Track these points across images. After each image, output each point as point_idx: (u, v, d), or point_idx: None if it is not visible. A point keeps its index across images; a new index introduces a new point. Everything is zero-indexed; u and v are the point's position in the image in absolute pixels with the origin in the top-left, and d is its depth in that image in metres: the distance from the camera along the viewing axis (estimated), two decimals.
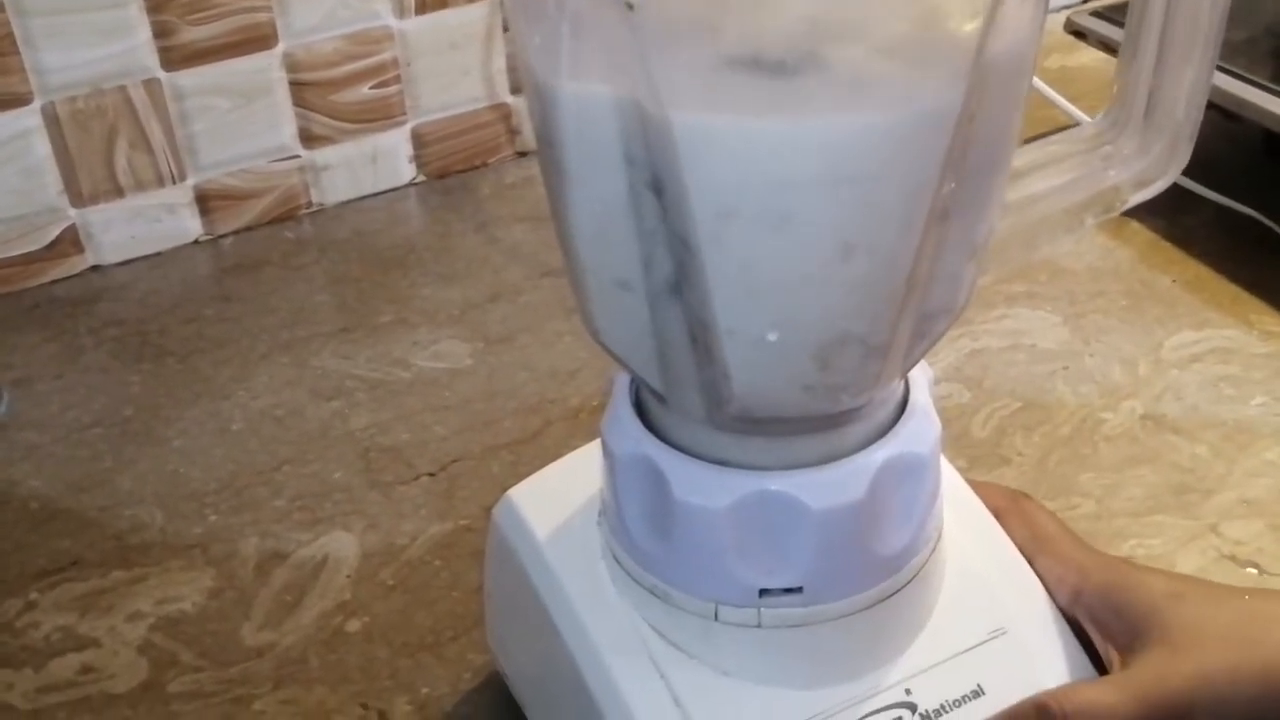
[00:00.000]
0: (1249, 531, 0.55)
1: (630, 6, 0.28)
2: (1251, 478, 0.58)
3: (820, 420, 0.36)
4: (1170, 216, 0.73)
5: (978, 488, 0.45)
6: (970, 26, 0.28)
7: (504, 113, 0.83)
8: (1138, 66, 0.36)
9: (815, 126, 0.28)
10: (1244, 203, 0.72)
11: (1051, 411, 0.62)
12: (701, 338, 0.33)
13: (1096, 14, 0.76)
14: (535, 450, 0.61)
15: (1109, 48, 0.76)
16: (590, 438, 0.61)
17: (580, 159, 0.32)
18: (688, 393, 0.36)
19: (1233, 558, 0.54)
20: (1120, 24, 0.75)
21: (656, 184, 0.31)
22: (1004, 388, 0.63)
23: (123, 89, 0.72)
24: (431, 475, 0.60)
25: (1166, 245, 0.72)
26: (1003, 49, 0.29)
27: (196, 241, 0.77)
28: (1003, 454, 0.59)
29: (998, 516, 0.44)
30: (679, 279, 0.32)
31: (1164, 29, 0.34)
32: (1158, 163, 0.36)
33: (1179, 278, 0.70)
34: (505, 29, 0.80)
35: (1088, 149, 0.37)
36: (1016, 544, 0.43)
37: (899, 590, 0.39)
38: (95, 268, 0.76)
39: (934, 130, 0.29)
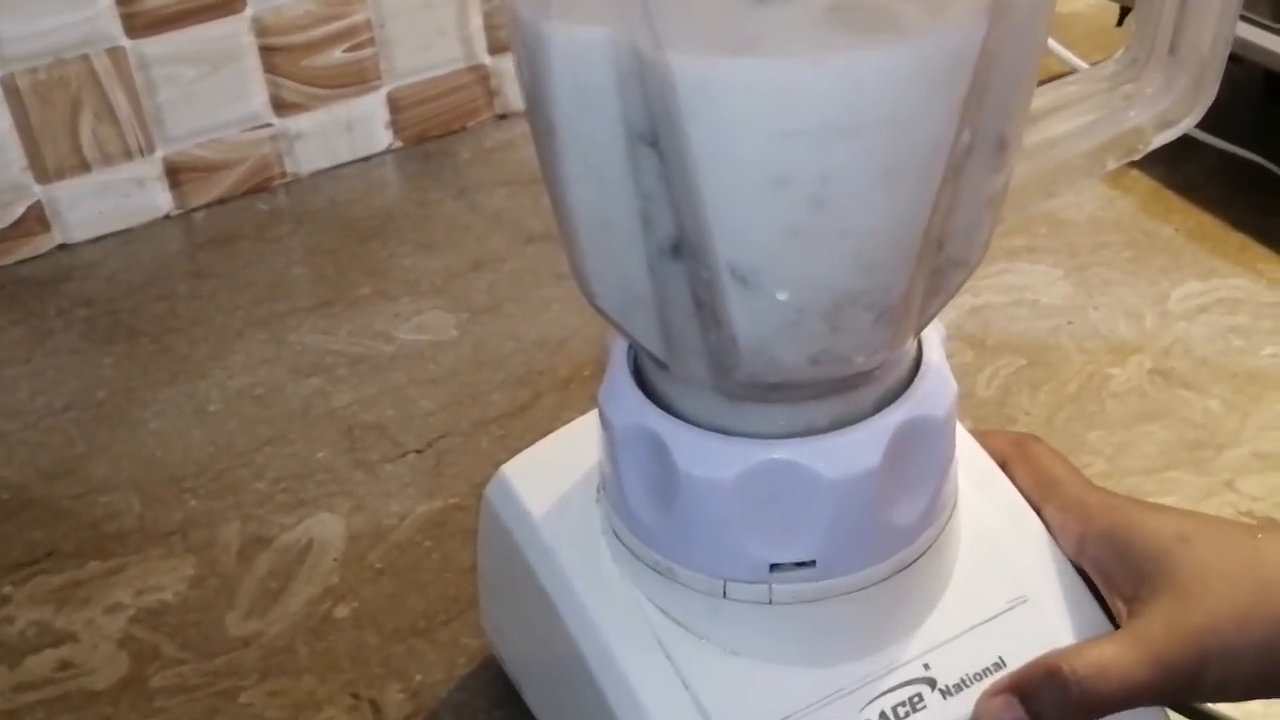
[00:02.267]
0: (1265, 486, 0.53)
1: None
2: (1265, 431, 0.56)
3: (831, 384, 0.34)
4: (1171, 164, 0.71)
5: (982, 438, 0.42)
6: None
7: (482, 74, 0.80)
8: (1158, 2, 0.33)
9: (831, 67, 0.26)
10: (1246, 148, 0.70)
11: (1057, 368, 0.60)
12: (706, 299, 0.31)
13: None
14: (525, 423, 0.59)
15: None
16: (583, 409, 0.59)
17: (572, 111, 0.30)
18: (691, 358, 0.33)
19: (1249, 514, 0.52)
20: None
21: (654, 136, 0.29)
22: (1008, 345, 0.61)
23: (85, 58, 0.69)
24: (418, 452, 0.58)
25: (1168, 194, 0.70)
26: None
27: (167, 216, 0.75)
28: (1009, 413, 0.57)
29: (1004, 466, 0.42)
30: (681, 238, 0.30)
31: None
32: (1182, 101, 0.34)
33: (1182, 227, 0.68)
34: None
35: (1107, 89, 0.34)
36: (1023, 493, 0.41)
37: (915, 561, 0.37)
38: (62, 246, 0.73)
39: (954, 70, 0.27)
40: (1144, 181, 0.71)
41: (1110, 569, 0.39)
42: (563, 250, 0.35)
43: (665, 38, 0.26)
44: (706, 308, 0.31)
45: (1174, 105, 0.34)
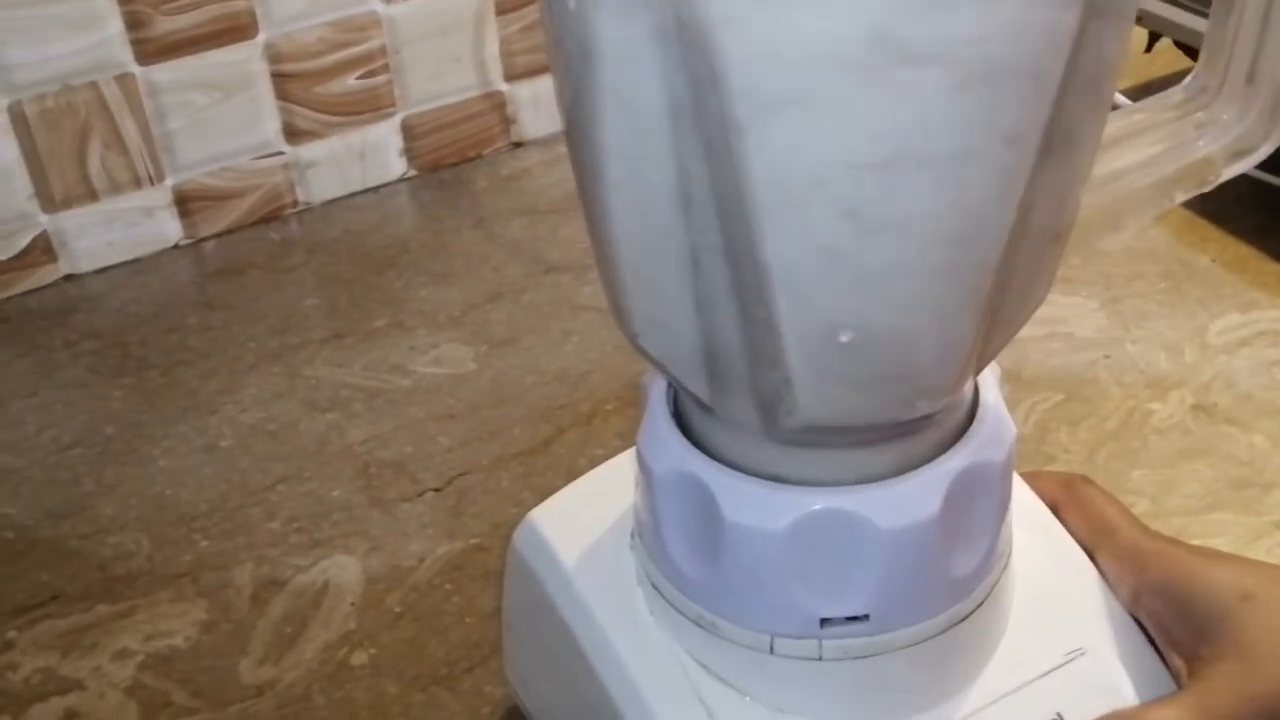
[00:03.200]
0: None
1: None
2: None
3: (888, 429, 0.32)
4: (1205, 193, 0.69)
5: (1030, 480, 0.41)
6: None
7: (498, 101, 0.78)
8: (1232, 25, 0.32)
9: (902, 87, 0.24)
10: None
11: (1096, 404, 0.58)
12: (758, 340, 0.29)
13: None
14: (547, 460, 0.57)
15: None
16: (606, 445, 0.58)
17: (619, 129, 0.28)
18: (739, 401, 0.32)
19: None
20: None
21: (708, 159, 0.27)
22: (1044, 379, 0.59)
23: (94, 85, 0.67)
24: (437, 490, 0.56)
25: (1203, 223, 0.68)
26: None
27: (176, 246, 0.73)
28: (1048, 451, 0.55)
29: (1056, 510, 0.40)
30: (734, 276, 0.28)
31: None
32: (1256, 130, 0.33)
33: (1219, 257, 0.66)
34: (498, 12, 0.76)
35: (1175, 117, 0.33)
36: (1077, 540, 0.40)
37: (971, 613, 0.35)
38: (69, 277, 0.71)
39: (1031, 92, 0.26)
40: (1178, 211, 0.69)
41: (1168, 624, 0.37)
42: (601, 286, 0.33)
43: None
44: (759, 349, 0.30)
45: (1246, 134, 0.33)
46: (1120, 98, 0.72)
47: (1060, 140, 0.28)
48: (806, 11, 0.24)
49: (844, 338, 0.28)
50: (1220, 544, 0.51)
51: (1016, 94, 0.26)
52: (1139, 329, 0.62)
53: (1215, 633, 0.36)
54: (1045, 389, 0.59)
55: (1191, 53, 0.74)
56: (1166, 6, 0.70)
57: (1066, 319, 0.63)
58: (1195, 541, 0.50)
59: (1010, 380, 0.59)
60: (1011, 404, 0.57)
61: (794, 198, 0.26)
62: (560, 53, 0.29)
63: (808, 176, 0.26)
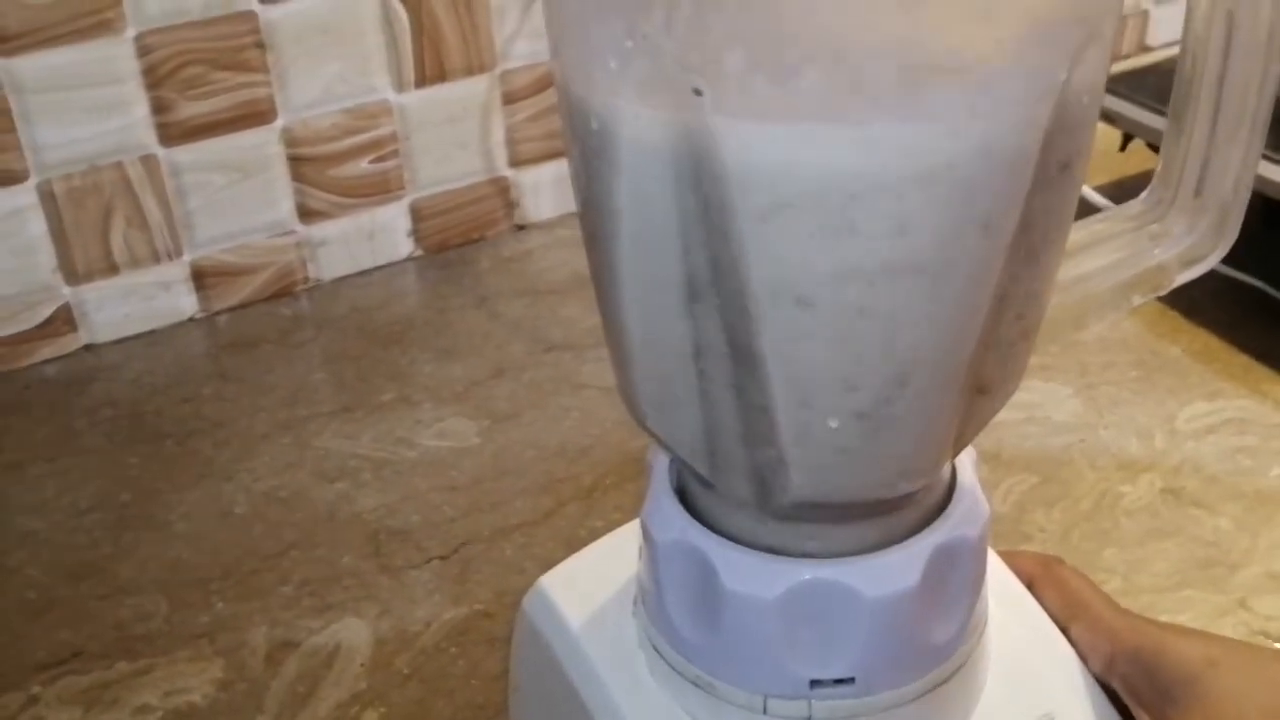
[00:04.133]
0: (1278, 606, 0.54)
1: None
2: (1277, 549, 0.57)
3: (874, 506, 0.35)
4: (1176, 287, 0.73)
5: (1009, 558, 0.44)
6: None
7: (502, 186, 0.82)
8: (1182, 145, 0.35)
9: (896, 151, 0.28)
10: (1246, 272, 0.72)
11: (1070, 486, 0.61)
12: (756, 424, 0.32)
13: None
14: (548, 531, 0.60)
15: (1108, 118, 0.76)
16: (606, 517, 0.61)
17: (633, 229, 0.31)
18: (737, 479, 0.35)
19: (1264, 634, 0.53)
20: (1119, 95, 0.75)
21: (715, 265, 0.30)
22: (1021, 461, 0.62)
23: (119, 165, 0.71)
24: (443, 559, 0.59)
25: (1173, 315, 0.72)
26: (1083, 81, 0.28)
27: (191, 319, 0.76)
28: (1024, 530, 0.58)
29: (1031, 586, 0.43)
30: (735, 366, 0.32)
31: (1215, 106, 0.34)
32: (1205, 241, 0.36)
33: (1188, 348, 0.70)
34: (505, 102, 0.79)
35: (1134, 228, 0.36)
36: (1050, 614, 0.42)
37: (949, 678, 0.38)
38: (88, 347, 0.74)
39: (1009, 176, 0.29)
40: (1149, 304, 0.73)
41: (1140, 687, 0.40)
42: (611, 369, 0.36)
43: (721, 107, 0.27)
44: (756, 432, 0.33)
45: (1198, 244, 0.36)
46: (1096, 195, 0.75)
47: (1030, 242, 0.31)
48: (805, 144, 0.27)
49: (833, 424, 0.31)
50: (1187, 619, 0.54)
51: (990, 206, 0.29)
52: (1112, 415, 0.65)
53: (1183, 695, 0.38)
54: (1022, 471, 0.62)
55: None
56: (1138, 110, 0.74)
57: (1043, 404, 0.66)
58: (1164, 618, 0.53)
59: (989, 462, 0.62)
60: (991, 484, 0.61)
61: (790, 299, 0.29)
62: (580, 161, 0.32)
63: (804, 284, 0.29)
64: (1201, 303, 0.72)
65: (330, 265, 0.79)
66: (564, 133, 0.33)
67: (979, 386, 0.33)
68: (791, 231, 0.29)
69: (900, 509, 0.36)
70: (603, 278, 0.34)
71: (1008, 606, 0.42)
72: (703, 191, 0.29)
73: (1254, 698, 0.38)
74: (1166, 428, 0.64)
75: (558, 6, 0.30)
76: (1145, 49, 0.96)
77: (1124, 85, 0.75)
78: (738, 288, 0.30)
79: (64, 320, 0.73)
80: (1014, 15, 0.27)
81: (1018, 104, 0.28)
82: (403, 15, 0.74)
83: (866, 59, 0.27)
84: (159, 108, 0.70)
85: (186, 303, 0.76)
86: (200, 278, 0.76)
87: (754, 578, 0.35)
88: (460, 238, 0.82)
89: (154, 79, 0.70)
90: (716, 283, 0.31)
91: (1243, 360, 0.68)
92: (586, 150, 0.31)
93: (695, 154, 0.29)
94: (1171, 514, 0.59)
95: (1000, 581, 0.42)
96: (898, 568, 0.35)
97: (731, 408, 0.33)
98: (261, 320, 0.76)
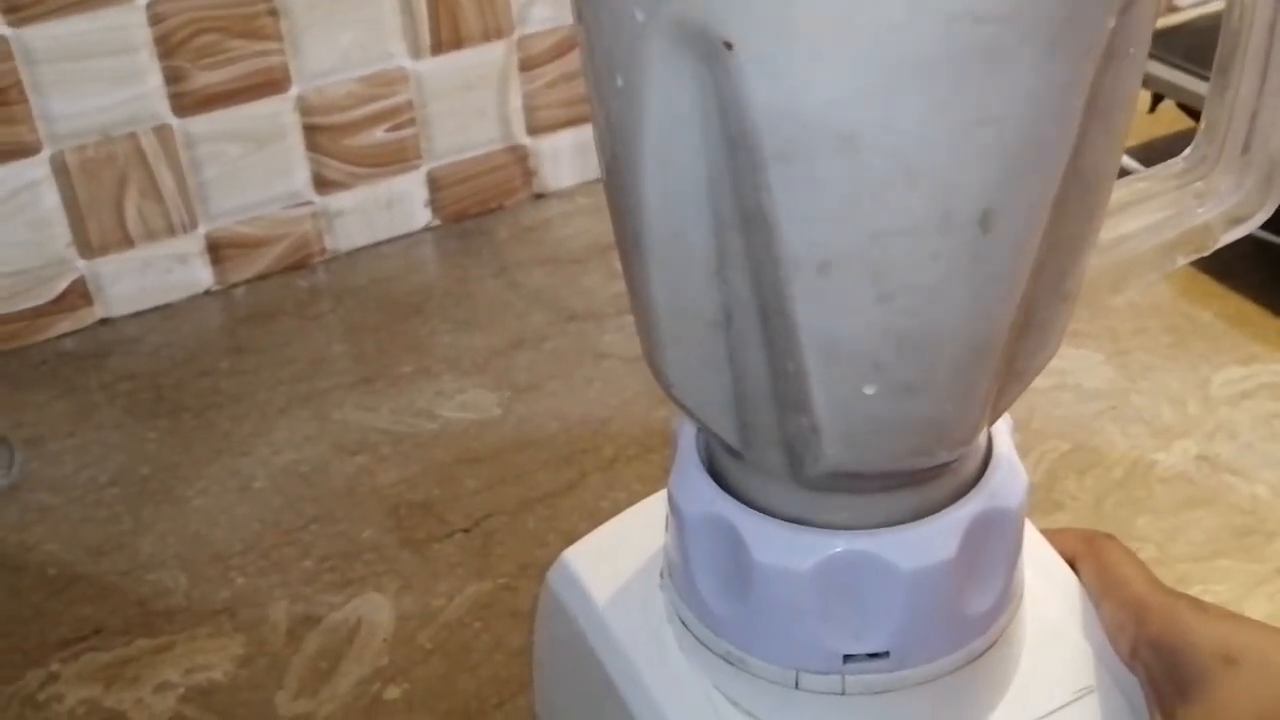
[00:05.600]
0: None
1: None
2: None
3: (909, 475, 0.34)
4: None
5: (1053, 535, 0.43)
6: None
7: (520, 154, 0.81)
8: (1228, 100, 0.34)
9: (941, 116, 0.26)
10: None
11: (1102, 453, 0.60)
12: (788, 392, 0.31)
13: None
14: (572, 503, 0.59)
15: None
16: (629, 488, 0.60)
17: (660, 194, 0.30)
18: (768, 448, 0.34)
19: None
20: (1155, 57, 0.74)
21: (745, 225, 0.29)
22: (1052, 429, 0.61)
23: (133, 136, 0.70)
24: (465, 531, 0.58)
25: (1206, 279, 0.71)
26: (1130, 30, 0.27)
27: (208, 292, 0.75)
28: (1056, 499, 0.57)
29: (1074, 562, 0.42)
30: (766, 330, 0.31)
31: (1265, 58, 0.32)
32: (1251, 199, 0.35)
33: (1221, 312, 0.68)
34: (522, 68, 0.78)
35: (1177, 186, 0.35)
36: (1087, 589, 0.41)
37: (985, 651, 0.37)
38: (104, 321, 0.73)
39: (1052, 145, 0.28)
40: (1182, 267, 0.71)
41: (1158, 679, 0.38)
42: (637, 337, 0.35)
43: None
44: (787, 400, 0.32)
45: (1244, 202, 0.35)
46: (1124, 158, 0.74)
47: (1070, 206, 0.30)
48: (839, 85, 0.26)
49: (869, 390, 0.30)
50: (1222, 590, 0.53)
51: (1034, 159, 0.28)
52: (1144, 381, 0.64)
53: (1194, 693, 0.37)
54: (1054, 438, 0.61)
55: (1193, 114, 0.76)
56: (1169, 70, 0.73)
57: (1074, 371, 0.65)
58: (1198, 588, 0.53)
59: (1021, 430, 0.61)
60: (1022, 452, 0.59)
61: (823, 258, 0.28)
62: (605, 124, 0.31)
63: (838, 243, 0.28)
64: (1235, 266, 0.71)
65: (347, 236, 0.78)
66: (589, 94, 0.32)
67: (1016, 351, 0.32)
68: (824, 185, 0.28)
69: (936, 478, 0.34)
70: (629, 244, 0.32)
71: (1045, 579, 0.41)
72: (732, 146, 0.28)
73: (1260, 701, 0.36)
74: (1200, 394, 0.63)
75: None
76: (1174, 8, 0.94)
77: (1154, 45, 0.74)
78: (768, 249, 0.29)
79: (79, 294, 0.72)
80: None
81: (1064, 51, 0.27)
82: None
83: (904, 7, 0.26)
84: (172, 77, 0.69)
85: (203, 275, 0.75)
86: (216, 250, 0.75)
87: (785, 550, 0.34)
88: (479, 207, 0.81)
89: (167, 48, 0.69)
90: (746, 244, 0.30)
91: (1276, 324, 0.67)
92: (611, 111, 0.30)
93: (723, 107, 0.28)
94: (1206, 481, 0.58)
95: (1037, 553, 0.41)
96: (934, 539, 0.34)
97: (762, 375, 0.32)
98: (279, 292, 0.75)
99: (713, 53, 0.27)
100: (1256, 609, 0.52)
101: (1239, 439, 0.60)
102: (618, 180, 0.32)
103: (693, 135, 0.29)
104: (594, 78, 0.31)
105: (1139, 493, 0.58)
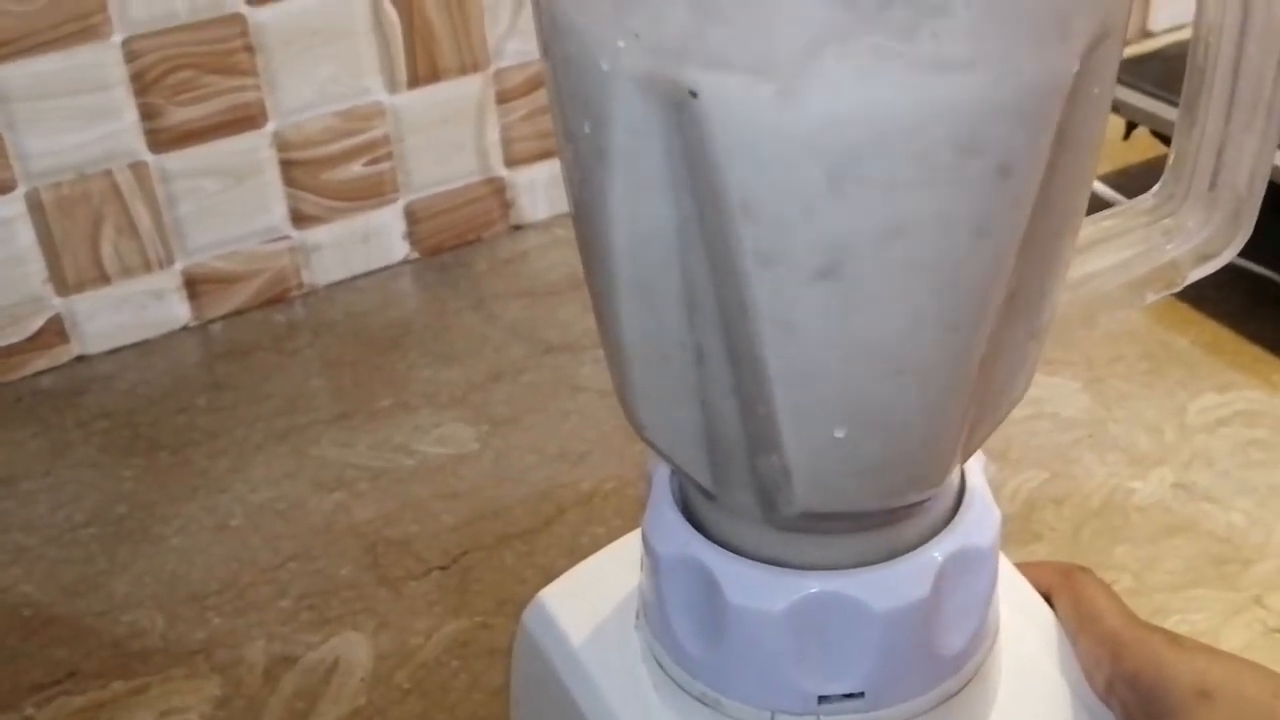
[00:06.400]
0: None
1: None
2: None
3: (881, 515, 0.34)
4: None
5: (1029, 569, 0.42)
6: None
7: (498, 186, 0.81)
8: (1195, 137, 0.34)
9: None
10: (1256, 261, 0.71)
11: (1080, 483, 0.60)
12: (759, 434, 0.31)
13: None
14: (549, 539, 0.59)
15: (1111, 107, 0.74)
16: (607, 523, 0.60)
17: (628, 238, 0.30)
18: (740, 490, 0.34)
19: None
20: (1122, 82, 0.74)
21: (713, 268, 0.29)
22: (1029, 459, 0.61)
23: (109, 173, 0.70)
24: (443, 569, 0.58)
25: (1182, 305, 0.71)
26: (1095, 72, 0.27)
27: (185, 328, 0.75)
28: (1034, 529, 0.57)
29: (1050, 597, 0.42)
30: (737, 374, 0.31)
31: (1229, 94, 0.32)
32: (1219, 236, 0.35)
33: (1197, 339, 0.68)
34: (499, 101, 0.78)
35: (1146, 223, 0.35)
36: (1063, 624, 0.41)
37: (960, 690, 0.37)
38: (81, 358, 0.73)
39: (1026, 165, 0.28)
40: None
41: (1134, 714, 0.38)
42: (608, 375, 0.35)
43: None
44: (759, 442, 0.32)
45: (1212, 239, 0.35)
46: (1100, 185, 0.74)
47: (1037, 246, 0.30)
48: (806, 131, 0.26)
49: (839, 433, 0.30)
50: (1200, 619, 0.53)
51: (996, 201, 0.28)
52: (1120, 409, 0.64)
53: None
54: (1031, 468, 0.61)
55: (1167, 141, 0.76)
56: (1142, 97, 0.73)
57: (1051, 399, 0.65)
58: (1176, 617, 0.53)
59: (998, 460, 0.61)
60: (999, 483, 0.60)
61: (790, 301, 0.28)
62: (574, 166, 0.31)
63: (805, 282, 0.28)
64: (1210, 293, 0.71)
65: (325, 270, 0.78)
66: (556, 137, 0.32)
67: (986, 392, 0.32)
68: (791, 223, 0.28)
69: (909, 518, 0.34)
70: (599, 285, 0.32)
71: (1021, 614, 0.41)
72: (699, 196, 0.28)
73: None
74: (1176, 421, 0.63)
75: (547, 5, 0.29)
76: (1147, 34, 0.95)
77: (1127, 72, 0.74)
78: (737, 297, 0.29)
79: (55, 331, 0.72)
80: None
81: (1033, 93, 0.27)
82: (393, 15, 0.73)
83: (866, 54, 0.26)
84: (148, 114, 0.69)
85: (179, 311, 0.75)
86: (193, 285, 0.75)
87: (759, 591, 0.34)
88: (456, 239, 0.81)
89: (142, 84, 0.69)
90: (716, 292, 0.30)
91: (1253, 351, 0.67)
92: (579, 155, 0.30)
93: (690, 157, 0.28)
94: (1183, 509, 0.58)
95: (1012, 588, 0.41)
96: (907, 578, 0.34)
97: (733, 418, 0.32)
98: (256, 327, 0.75)
99: (679, 102, 0.27)
100: (1234, 637, 0.52)
101: (1215, 466, 0.60)
102: (586, 223, 0.32)
103: (661, 183, 0.29)
104: (561, 122, 0.31)
105: (1116, 521, 0.58)
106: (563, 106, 0.30)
